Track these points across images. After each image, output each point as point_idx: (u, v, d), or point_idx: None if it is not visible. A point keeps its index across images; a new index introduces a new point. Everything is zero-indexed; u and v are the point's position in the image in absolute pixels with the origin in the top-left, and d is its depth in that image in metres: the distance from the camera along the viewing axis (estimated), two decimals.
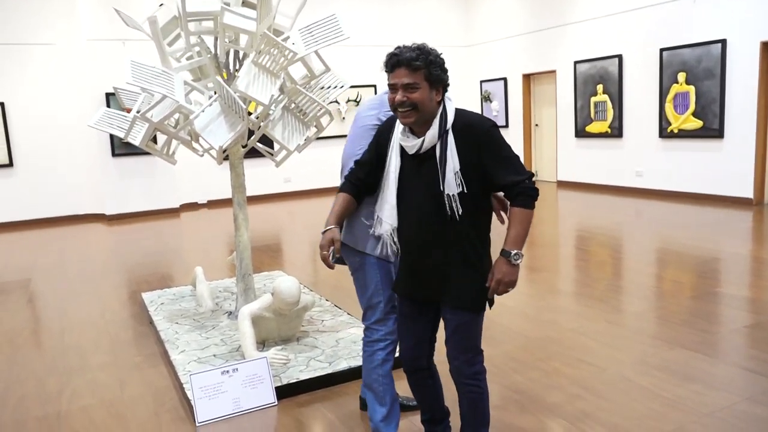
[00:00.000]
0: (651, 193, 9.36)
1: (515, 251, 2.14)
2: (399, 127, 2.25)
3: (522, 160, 11.88)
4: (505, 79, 12.06)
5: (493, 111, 12.45)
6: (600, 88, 10.01)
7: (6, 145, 9.52)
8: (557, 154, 11.16)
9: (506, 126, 12.18)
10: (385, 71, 2.15)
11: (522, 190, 2.13)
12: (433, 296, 2.27)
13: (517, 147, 11.94)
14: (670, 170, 9.08)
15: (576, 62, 10.37)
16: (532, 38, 11.33)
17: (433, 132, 2.14)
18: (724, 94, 8.14)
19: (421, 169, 2.19)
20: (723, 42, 8.05)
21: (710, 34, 8.25)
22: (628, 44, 9.48)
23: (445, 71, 2.13)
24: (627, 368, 3.36)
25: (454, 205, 2.13)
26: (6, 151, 9.53)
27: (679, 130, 8.80)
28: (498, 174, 2.13)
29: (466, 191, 2.14)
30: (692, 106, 8.56)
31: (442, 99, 2.17)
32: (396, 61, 2.09)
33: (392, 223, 2.28)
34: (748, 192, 8.07)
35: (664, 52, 8.83)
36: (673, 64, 8.75)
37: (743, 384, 3.10)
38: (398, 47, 2.13)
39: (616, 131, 9.84)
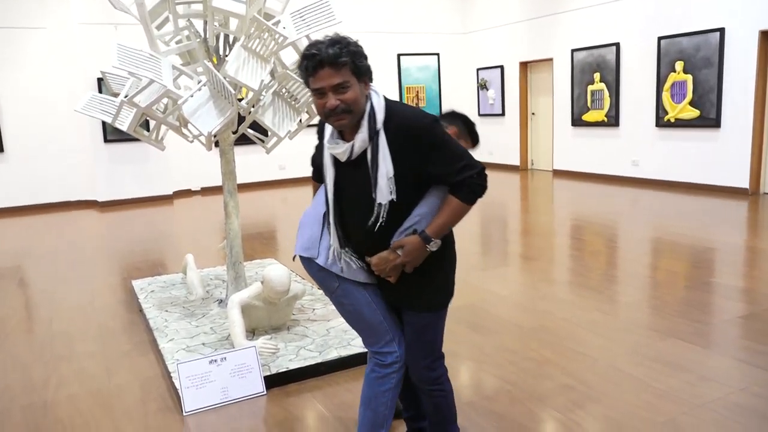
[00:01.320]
0: (647, 183, 9.32)
1: (434, 240, 1.97)
2: (327, 131, 2.01)
3: (518, 148, 11.84)
4: (501, 67, 11.97)
5: (490, 99, 12.38)
6: (597, 76, 9.94)
7: None
8: (553, 142, 11.10)
9: (503, 114, 12.11)
10: (305, 75, 1.88)
11: (470, 183, 1.96)
12: (396, 301, 2.15)
13: (514, 135, 11.88)
14: (667, 160, 9.04)
15: (573, 50, 10.29)
16: (529, 26, 11.23)
17: (363, 135, 1.90)
18: (721, 84, 8.09)
19: (356, 176, 1.98)
20: (721, 31, 7.98)
21: (709, 22, 8.18)
22: (625, 32, 9.40)
23: (367, 58, 1.90)
24: (620, 359, 3.33)
25: (384, 214, 1.95)
26: None
27: (676, 119, 8.75)
28: (450, 173, 1.95)
29: (400, 199, 1.95)
30: (689, 95, 8.50)
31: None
32: (318, 62, 1.82)
33: (334, 239, 2.08)
34: (743, 182, 8.04)
35: (662, 41, 8.76)
36: (671, 52, 8.68)
37: (737, 375, 3.07)
38: (313, 44, 1.85)
39: (613, 120, 9.78)
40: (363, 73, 1.89)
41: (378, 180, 1.92)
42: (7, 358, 3.77)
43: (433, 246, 1.97)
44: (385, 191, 1.93)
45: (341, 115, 1.88)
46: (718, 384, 2.98)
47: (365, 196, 1.97)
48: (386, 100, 1.98)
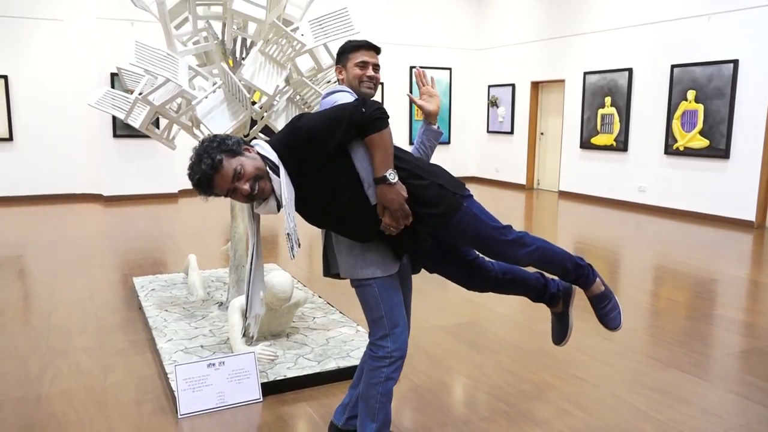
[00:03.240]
0: (652, 210, 9.30)
1: (388, 172, 2.06)
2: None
3: (525, 167, 11.84)
4: (513, 86, 11.99)
5: (500, 117, 12.39)
6: (608, 100, 9.95)
7: (7, 118, 9.44)
8: (561, 163, 11.10)
9: (511, 133, 12.12)
10: (204, 197, 2.13)
11: (367, 119, 2.03)
12: (434, 238, 2.33)
13: (521, 154, 11.89)
14: (673, 188, 9.03)
15: (586, 73, 10.31)
16: (543, 46, 11.26)
17: (275, 180, 2.07)
18: (732, 115, 8.08)
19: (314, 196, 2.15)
20: (735, 62, 7.99)
21: (723, 53, 8.19)
22: (639, 58, 9.42)
23: (230, 144, 2.06)
24: (619, 386, 3.30)
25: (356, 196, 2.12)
26: (7, 125, 9.46)
27: (685, 147, 8.74)
28: (348, 128, 2.04)
29: (350, 176, 2.10)
30: (699, 125, 8.50)
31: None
32: (207, 182, 2.06)
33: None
34: (750, 215, 8.01)
35: (675, 69, 8.77)
36: (684, 81, 8.69)
37: (737, 410, 3.04)
38: (190, 168, 2.07)
39: (622, 145, 9.78)
40: (238, 152, 2.06)
41: (327, 188, 2.10)
42: (2, 349, 3.75)
43: (392, 177, 2.07)
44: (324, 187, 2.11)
45: (261, 192, 2.08)
46: (719, 419, 2.95)
47: (333, 199, 2.12)
48: (269, 141, 2.15)
